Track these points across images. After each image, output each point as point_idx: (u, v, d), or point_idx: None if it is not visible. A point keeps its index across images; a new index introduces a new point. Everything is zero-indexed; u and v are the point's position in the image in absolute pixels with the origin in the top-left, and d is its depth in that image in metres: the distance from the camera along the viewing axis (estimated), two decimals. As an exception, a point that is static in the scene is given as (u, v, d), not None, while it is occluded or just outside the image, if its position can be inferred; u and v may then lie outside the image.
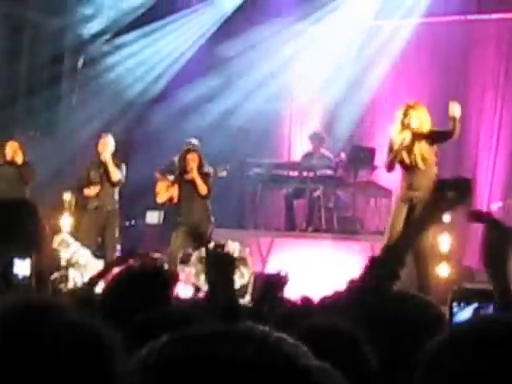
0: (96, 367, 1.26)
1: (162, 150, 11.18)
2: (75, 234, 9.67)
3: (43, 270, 3.24)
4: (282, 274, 3.53)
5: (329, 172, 11.01)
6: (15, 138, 10.11)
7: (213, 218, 9.61)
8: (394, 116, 8.14)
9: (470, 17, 11.97)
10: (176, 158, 10.04)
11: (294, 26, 12.42)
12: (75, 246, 9.25)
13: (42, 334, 1.25)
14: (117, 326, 1.39)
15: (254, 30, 12.34)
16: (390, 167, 8.04)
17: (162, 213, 11.28)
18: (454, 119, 7.62)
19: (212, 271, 3.14)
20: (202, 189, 9.48)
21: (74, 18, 12.20)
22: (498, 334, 1.21)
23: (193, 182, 9.49)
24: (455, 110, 7.60)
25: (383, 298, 2.33)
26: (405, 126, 7.84)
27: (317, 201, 10.99)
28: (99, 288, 3.57)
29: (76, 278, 8.85)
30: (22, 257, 2.75)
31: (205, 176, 9.55)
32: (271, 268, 9.25)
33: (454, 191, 2.56)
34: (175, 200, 9.74)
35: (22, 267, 2.75)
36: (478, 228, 2.47)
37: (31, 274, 2.75)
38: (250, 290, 9.04)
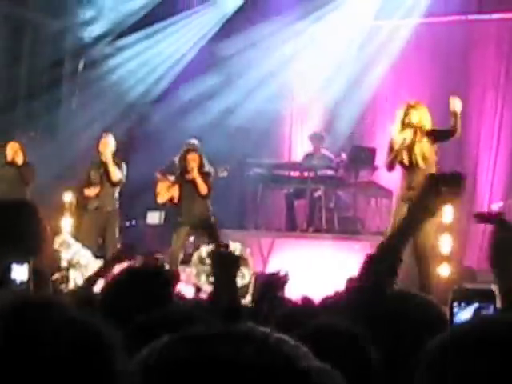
0: (96, 365, 1.26)
1: (162, 149, 11.17)
2: (76, 234, 9.68)
3: (44, 271, 3.24)
4: (282, 273, 3.53)
5: (329, 172, 11.00)
6: (16, 139, 10.10)
7: (213, 219, 9.60)
8: (394, 115, 8.13)
9: (470, 17, 11.96)
10: (176, 158, 10.03)
11: (295, 25, 12.40)
12: (76, 246, 9.24)
13: (43, 331, 1.25)
14: (117, 326, 1.38)
15: (254, 28, 12.33)
16: (390, 167, 8.03)
17: (163, 213, 11.27)
18: (455, 114, 7.61)
19: (217, 270, 3.15)
20: (203, 189, 9.47)
21: (74, 21, 12.20)
22: (498, 334, 1.22)
23: (193, 182, 9.49)
24: (456, 104, 7.60)
25: (384, 298, 2.33)
26: (405, 126, 7.84)
27: (318, 201, 10.98)
28: (97, 287, 3.58)
29: (77, 279, 8.84)
30: (21, 262, 2.74)
31: (205, 176, 9.54)
32: (272, 268, 9.23)
33: (445, 185, 2.56)
34: (176, 200, 9.74)
35: (20, 272, 2.75)
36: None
37: (29, 278, 2.75)
38: (250, 290, 9.04)
